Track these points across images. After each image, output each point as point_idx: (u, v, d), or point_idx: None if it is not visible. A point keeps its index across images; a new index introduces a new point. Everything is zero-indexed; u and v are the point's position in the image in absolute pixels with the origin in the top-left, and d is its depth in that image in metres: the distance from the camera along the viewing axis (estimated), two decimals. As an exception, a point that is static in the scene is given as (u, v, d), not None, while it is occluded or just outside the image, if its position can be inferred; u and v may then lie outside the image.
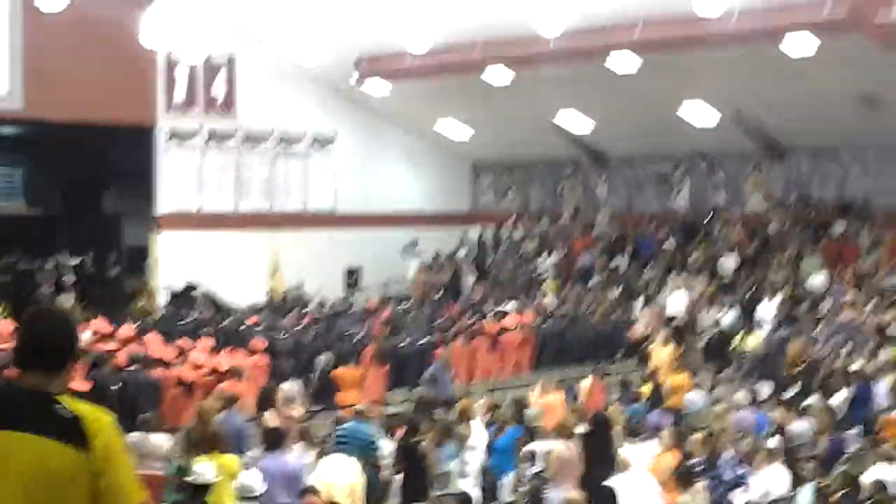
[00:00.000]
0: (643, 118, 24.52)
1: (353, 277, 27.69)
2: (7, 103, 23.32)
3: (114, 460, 3.31)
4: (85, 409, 3.32)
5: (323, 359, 17.39)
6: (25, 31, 23.04)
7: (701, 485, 10.91)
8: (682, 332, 20.64)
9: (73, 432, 3.25)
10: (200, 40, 24.93)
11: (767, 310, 20.69)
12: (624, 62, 21.36)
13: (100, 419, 3.33)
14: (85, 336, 17.09)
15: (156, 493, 11.59)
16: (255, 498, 9.22)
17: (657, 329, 20.17)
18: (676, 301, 22.07)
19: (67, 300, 23.23)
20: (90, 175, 27.74)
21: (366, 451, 12.14)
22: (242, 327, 19.95)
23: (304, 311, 22.26)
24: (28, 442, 3.22)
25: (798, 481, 11.66)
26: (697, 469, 11.50)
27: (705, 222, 25.44)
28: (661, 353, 18.27)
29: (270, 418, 12.87)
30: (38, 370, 3.33)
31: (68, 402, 3.33)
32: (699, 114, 23.79)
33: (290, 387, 14.40)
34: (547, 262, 26.62)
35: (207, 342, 17.93)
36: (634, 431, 13.10)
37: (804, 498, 11.04)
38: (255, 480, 8.98)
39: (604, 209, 27.83)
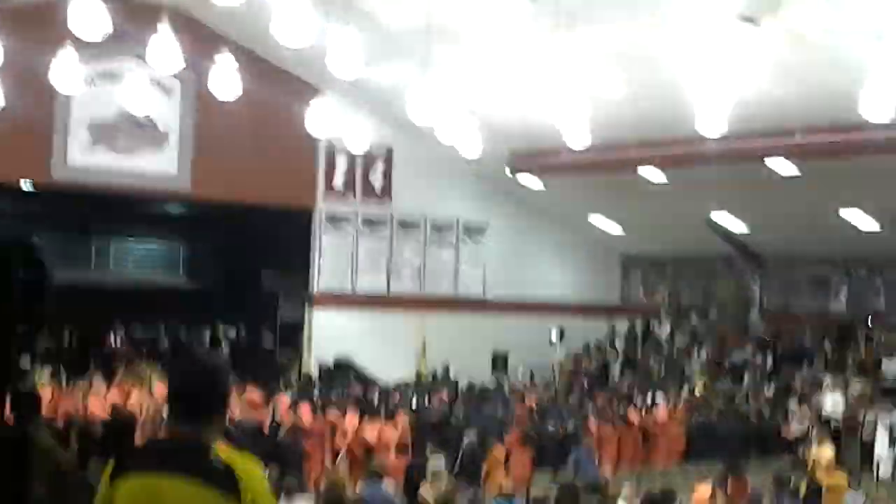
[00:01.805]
0: (801, 221, 24.01)
1: (499, 362, 27.70)
2: (175, 183, 24.39)
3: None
4: (237, 460, 3.37)
5: (469, 436, 17.34)
6: (198, 114, 24.13)
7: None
8: (839, 432, 19.91)
9: (225, 480, 3.29)
10: (361, 130, 25.68)
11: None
12: (783, 166, 21.06)
13: (251, 470, 3.37)
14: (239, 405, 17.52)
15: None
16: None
17: (814, 428, 19.49)
18: (833, 401, 21.36)
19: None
20: (251, 253, 28.69)
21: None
22: (391, 403, 20.10)
23: (451, 391, 22.32)
24: (181, 488, 3.29)
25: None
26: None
27: (867, 325, 24.67)
28: (819, 452, 17.64)
29: (425, 492, 12.88)
30: (190, 419, 3.39)
31: (221, 451, 3.38)
32: (860, 218, 23.25)
33: (437, 462, 14.39)
34: (696, 358, 26.14)
35: (354, 415, 18.13)
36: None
37: None
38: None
39: (754, 308, 27.28)
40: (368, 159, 26.69)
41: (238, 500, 3.28)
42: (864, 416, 20.82)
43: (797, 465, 18.46)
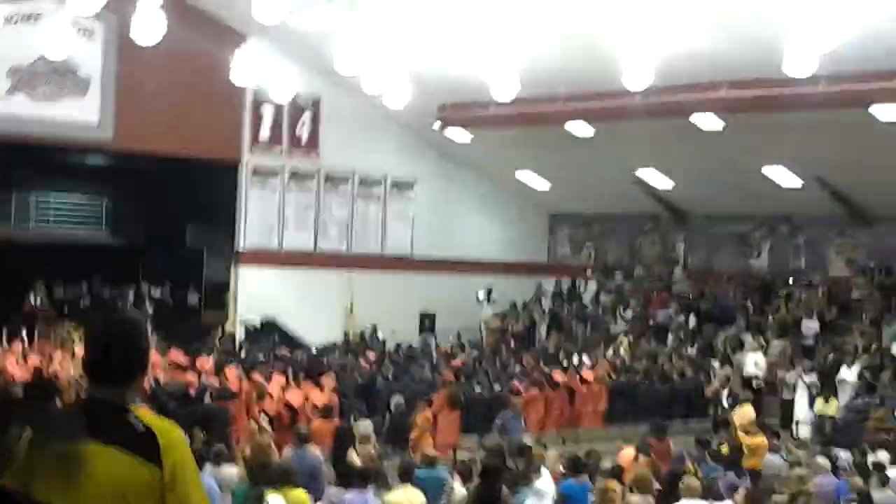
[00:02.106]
0: (726, 177, 24.29)
1: (427, 322, 27.70)
2: (97, 133, 23.81)
3: (183, 476, 3.25)
4: (157, 423, 3.27)
5: (396, 399, 17.33)
6: (121, 60, 23.50)
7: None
8: (760, 393, 20.28)
9: (146, 446, 3.20)
10: (288, 80, 25.28)
11: (848, 375, 20.28)
12: (708, 120, 21.21)
13: (171, 433, 3.28)
14: (162, 366, 17.29)
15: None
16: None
17: (735, 389, 19.82)
18: (755, 361, 21.74)
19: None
20: (174, 208, 28.19)
21: (438, 495, 12.05)
22: (317, 365, 20.00)
23: (378, 352, 22.29)
24: (104, 454, 3.18)
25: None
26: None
27: (787, 284, 25.11)
28: (741, 413, 17.93)
29: (354, 456, 12.85)
30: (110, 381, 3.27)
31: (141, 414, 3.28)
32: (784, 175, 23.55)
33: (365, 426, 14.36)
34: (622, 318, 26.41)
35: (280, 377, 18.02)
36: (710, 491, 12.79)
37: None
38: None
39: (678, 266, 27.62)
40: (295, 110, 26.33)
41: (159, 466, 3.20)
42: (785, 376, 21.21)
43: (719, 425, 18.75)
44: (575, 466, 13.15)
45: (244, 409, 16.26)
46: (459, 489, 12.74)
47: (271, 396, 16.90)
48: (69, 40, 20.72)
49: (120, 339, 3.31)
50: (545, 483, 12.81)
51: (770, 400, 21.36)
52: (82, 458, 3.18)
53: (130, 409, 3.27)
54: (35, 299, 24.97)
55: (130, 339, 3.34)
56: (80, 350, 17.99)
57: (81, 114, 23.57)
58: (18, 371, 17.26)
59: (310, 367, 19.91)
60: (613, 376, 21.47)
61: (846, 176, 22.87)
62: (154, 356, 16.65)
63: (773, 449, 16.48)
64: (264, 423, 16.11)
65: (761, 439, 16.75)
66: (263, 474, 11.78)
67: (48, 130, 23.24)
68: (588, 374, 20.98)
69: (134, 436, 3.21)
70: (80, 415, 3.26)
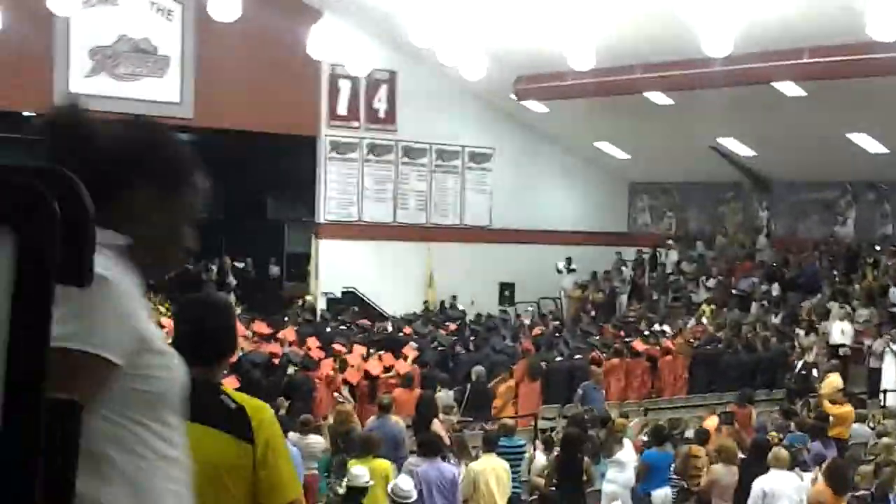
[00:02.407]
0: (809, 144, 23.83)
1: (507, 292, 27.71)
2: (178, 111, 24.15)
3: (274, 453, 3.31)
4: (248, 401, 3.33)
5: (476, 371, 17.38)
6: (199, 39, 23.82)
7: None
8: (847, 361, 19.94)
9: (239, 424, 3.25)
10: (364, 54, 25.39)
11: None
12: (789, 87, 20.82)
13: (262, 411, 3.34)
14: (247, 337, 17.54)
15: (312, 493, 11.81)
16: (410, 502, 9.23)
17: (821, 358, 19.51)
18: (841, 329, 21.37)
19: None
20: (254, 183, 28.52)
21: (518, 463, 12.12)
22: (398, 335, 20.14)
23: (458, 322, 22.37)
24: (198, 432, 3.10)
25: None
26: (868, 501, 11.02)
27: (874, 251, 24.61)
28: (827, 382, 17.67)
29: (438, 426, 12.94)
30: (202, 360, 3.28)
31: (231, 392, 3.35)
32: (869, 142, 23.04)
33: (446, 396, 14.43)
34: (704, 286, 26.13)
35: (361, 348, 18.18)
36: (795, 460, 12.64)
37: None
38: (408, 485, 8.99)
39: (763, 236, 27.23)
40: (372, 84, 26.43)
41: (252, 443, 3.26)
42: (872, 345, 20.81)
43: (804, 394, 18.51)
44: (658, 435, 13.12)
45: (326, 379, 16.42)
46: (540, 457, 12.79)
47: (352, 366, 17.05)
48: (148, 20, 21.06)
49: (211, 320, 3.40)
50: (627, 453, 12.80)
51: (857, 369, 20.97)
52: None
53: (222, 388, 3.34)
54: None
55: (222, 319, 3.43)
56: (167, 322, 18.36)
57: (162, 92, 23.96)
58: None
59: (390, 337, 20.05)
60: (695, 345, 21.24)
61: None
62: (238, 326, 16.91)
63: (860, 418, 16.26)
64: (346, 392, 16.30)
65: (848, 409, 16.51)
66: (346, 443, 11.96)
67: (130, 109, 23.58)
68: (669, 344, 20.80)
69: (227, 413, 3.27)
70: None
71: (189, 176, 2.20)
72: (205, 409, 3.22)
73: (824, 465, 12.05)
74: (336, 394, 16.11)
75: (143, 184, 2.10)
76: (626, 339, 20.83)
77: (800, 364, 20.01)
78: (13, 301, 1.34)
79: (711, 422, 15.21)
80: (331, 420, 13.70)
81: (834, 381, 17.81)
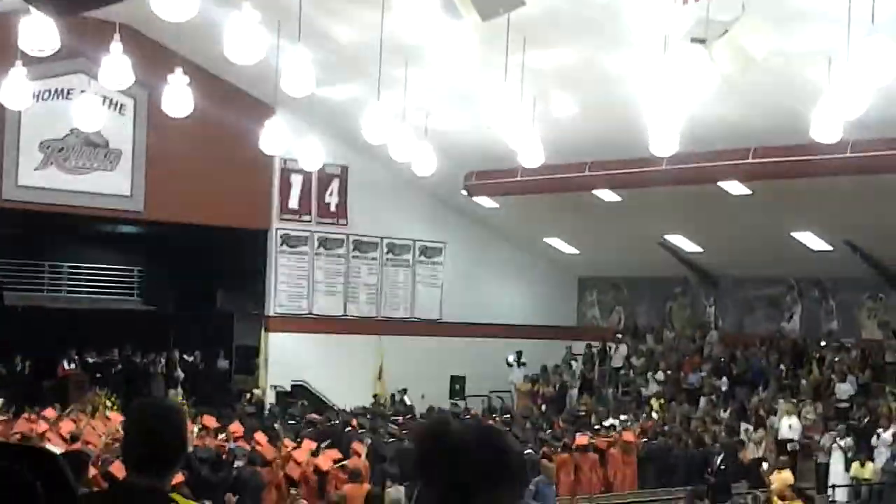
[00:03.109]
0: (755, 241, 24.22)
1: (457, 385, 27.63)
2: (128, 203, 24.13)
3: None
4: None
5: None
6: (151, 133, 23.89)
7: None
8: (795, 456, 20.03)
9: None
10: (316, 150, 25.55)
11: (884, 438, 20.02)
12: (735, 186, 21.25)
13: None
14: (195, 431, 17.30)
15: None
16: None
17: (770, 452, 19.58)
18: (789, 424, 21.52)
19: (177, 395, 23.65)
20: (204, 275, 28.42)
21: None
22: (347, 429, 19.94)
23: (408, 416, 22.21)
24: None
25: None
26: None
27: (820, 347, 24.93)
28: (779, 477, 17.76)
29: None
30: (151, 469, 3.25)
31: (179, 499, 3.29)
32: (813, 240, 23.52)
33: (396, 492, 14.27)
34: (653, 380, 26.25)
35: (310, 442, 17.97)
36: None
37: None
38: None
39: (713, 330, 27.50)
40: (323, 179, 26.57)
41: None
42: (820, 440, 20.96)
43: (755, 489, 18.52)
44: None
45: (274, 475, 16.19)
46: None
47: (301, 462, 16.83)
48: (100, 114, 21.09)
49: (163, 429, 3.29)
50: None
51: (805, 464, 21.08)
52: None
53: (171, 497, 3.27)
54: (67, 365, 25.14)
55: (173, 428, 3.33)
56: (113, 416, 18.09)
57: (113, 185, 23.93)
58: (52, 438, 17.29)
59: (339, 430, 19.83)
60: (644, 440, 21.24)
61: (877, 240, 22.76)
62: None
63: (810, 513, 16.31)
64: (293, 489, 16.05)
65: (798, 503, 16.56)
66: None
67: (80, 202, 23.59)
68: (620, 438, 20.77)
69: None
70: (117, 501, 3.27)
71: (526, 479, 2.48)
72: None
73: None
74: (293, 490, 15.86)
75: (502, 487, 2.40)
76: (576, 433, 20.77)
77: (718, 459, 19.92)
78: None
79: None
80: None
81: (785, 476, 17.89)
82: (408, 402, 25.03)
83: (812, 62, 16.35)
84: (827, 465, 20.45)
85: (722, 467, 19.08)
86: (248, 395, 24.51)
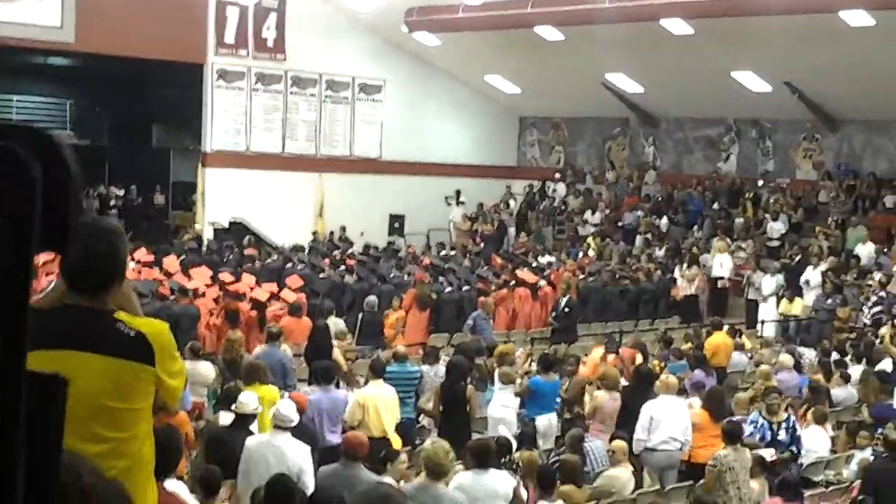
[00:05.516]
0: (695, 81, 24.26)
1: (396, 224, 27.74)
2: (59, 35, 23.36)
3: (170, 362, 3.28)
4: (143, 324, 3.24)
5: (369, 301, 17.37)
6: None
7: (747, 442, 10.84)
8: (726, 293, 20.53)
9: (139, 349, 3.18)
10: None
11: (813, 276, 20.55)
12: (677, 25, 21.15)
13: (158, 329, 3.26)
14: (130, 265, 17.22)
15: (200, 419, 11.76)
16: (291, 428, 9.20)
17: (703, 289, 20.03)
18: (721, 262, 22.01)
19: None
20: (139, 110, 27.88)
21: (409, 389, 12.22)
22: (287, 265, 20.02)
23: (346, 253, 22.32)
24: (96, 362, 3.14)
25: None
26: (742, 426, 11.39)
27: (756, 186, 25.35)
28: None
29: (338, 353, 13.03)
30: (92, 288, 3.19)
31: (125, 318, 3.22)
32: (753, 80, 23.57)
33: (338, 321, 14.46)
34: (590, 220, 26.56)
35: (249, 278, 18.01)
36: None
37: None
38: (289, 410, 8.95)
39: (651, 171, 27.74)
40: (260, 12, 25.90)
41: (154, 366, 3.20)
42: (751, 277, 21.46)
43: (684, 325, 19.02)
44: (545, 363, 13.36)
45: (211, 308, 16.25)
46: (433, 376, 12.91)
47: (238, 294, 16.87)
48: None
49: (97, 247, 3.18)
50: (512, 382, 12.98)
51: (736, 300, 21.64)
52: (70, 370, 3.10)
53: (116, 316, 3.21)
54: None
55: (109, 246, 3.21)
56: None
57: (42, 16, 23.08)
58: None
59: (278, 267, 19.90)
60: (581, 277, 21.57)
61: (815, 81, 22.89)
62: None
63: (738, 347, 16.78)
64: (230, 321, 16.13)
65: (726, 338, 17.00)
66: (234, 370, 11.88)
67: (8, 32, 22.76)
68: (556, 276, 21.09)
69: (126, 341, 3.17)
70: (62, 323, 3.16)
71: None
72: (102, 339, 3.16)
73: (704, 393, 12.46)
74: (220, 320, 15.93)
75: None
76: (514, 270, 21.03)
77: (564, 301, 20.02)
78: None
79: (597, 352, 15.53)
80: (220, 348, 13.60)
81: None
82: (348, 239, 25.08)
83: None
84: (757, 303, 21.00)
85: (566, 309, 19.12)
86: (187, 231, 24.40)
